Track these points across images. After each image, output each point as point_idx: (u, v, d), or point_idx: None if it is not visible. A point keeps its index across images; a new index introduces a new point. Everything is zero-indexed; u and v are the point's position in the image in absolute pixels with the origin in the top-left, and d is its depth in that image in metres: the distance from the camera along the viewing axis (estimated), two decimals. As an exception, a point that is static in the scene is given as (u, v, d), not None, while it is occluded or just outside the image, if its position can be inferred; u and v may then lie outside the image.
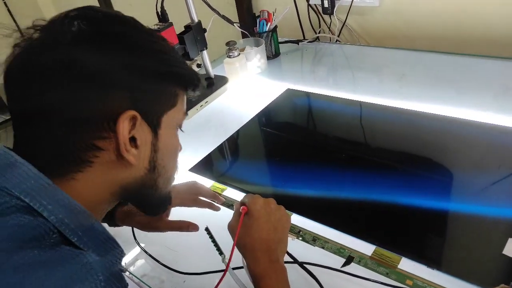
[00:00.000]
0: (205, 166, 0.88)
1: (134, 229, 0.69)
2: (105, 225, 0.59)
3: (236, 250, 0.51)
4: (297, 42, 1.33)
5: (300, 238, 0.65)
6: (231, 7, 1.46)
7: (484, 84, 0.95)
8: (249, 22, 1.31)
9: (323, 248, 0.63)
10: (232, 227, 0.52)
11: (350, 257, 0.61)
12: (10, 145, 0.40)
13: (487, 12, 1.06)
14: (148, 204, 0.49)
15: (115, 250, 0.41)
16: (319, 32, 1.37)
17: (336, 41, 1.34)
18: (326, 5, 1.27)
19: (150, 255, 0.67)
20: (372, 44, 1.30)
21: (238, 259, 0.51)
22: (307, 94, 1.08)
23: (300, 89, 1.10)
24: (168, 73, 0.42)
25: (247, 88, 1.16)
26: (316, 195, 0.75)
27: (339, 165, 0.81)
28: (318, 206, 0.73)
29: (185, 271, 0.63)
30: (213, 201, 0.70)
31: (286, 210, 0.56)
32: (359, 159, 0.83)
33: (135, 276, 0.64)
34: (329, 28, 1.35)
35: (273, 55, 1.27)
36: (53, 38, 0.37)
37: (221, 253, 0.55)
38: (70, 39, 0.37)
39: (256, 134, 0.99)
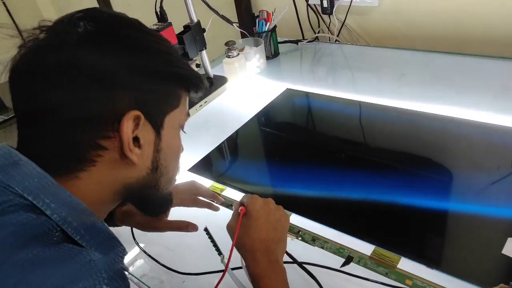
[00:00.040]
0: (204, 166, 0.88)
1: (134, 229, 0.69)
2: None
3: (235, 250, 0.51)
4: (296, 42, 1.33)
5: (300, 238, 0.65)
6: (230, 7, 1.46)
7: (483, 84, 0.95)
8: (248, 22, 1.31)
9: (322, 248, 0.63)
10: (231, 228, 0.52)
11: (349, 257, 0.61)
12: (10, 144, 0.40)
13: (486, 12, 1.06)
14: (150, 204, 0.49)
15: (117, 249, 0.41)
16: (318, 32, 1.37)
17: (336, 41, 1.34)
18: (325, 5, 1.27)
19: (149, 255, 0.67)
20: (371, 44, 1.30)
21: (237, 259, 0.51)
22: (307, 94, 1.08)
23: (300, 89, 1.10)
24: (172, 74, 0.43)
25: (246, 88, 1.16)
26: (316, 195, 0.75)
27: (339, 165, 0.81)
28: (317, 206, 0.73)
29: (184, 271, 0.63)
30: (212, 201, 0.70)
31: (285, 210, 0.56)
32: (358, 159, 0.83)
33: (135, 277, 0.64)
34: (328, 28, 1.35)
35: (272, 55, 1.27)
36: (59, 39, 0.38)
37: (220, 253, 0.55)
38: (76, 39, 0.37)
39: (255, 134, 0.99)
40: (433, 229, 0.65)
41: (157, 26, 0.99)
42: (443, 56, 1.09)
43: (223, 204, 0.73)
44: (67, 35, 0.38)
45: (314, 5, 1.32)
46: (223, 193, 0.78)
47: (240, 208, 0.52)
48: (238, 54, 1.15)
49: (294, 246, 0.62)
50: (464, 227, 0.65)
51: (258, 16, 1.24)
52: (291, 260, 0.59)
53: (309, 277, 0.58)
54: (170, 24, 1.00)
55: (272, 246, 0.50)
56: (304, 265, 0.59)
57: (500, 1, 1.02)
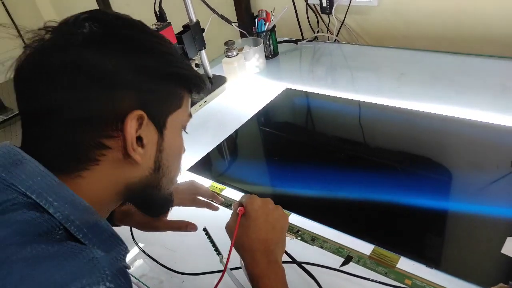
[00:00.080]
0: (204, 166, 0.88)
1: (133, 229, 0.69)
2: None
3: (234, 250, 0.50)
4: (295, 41, 1.33)
5: (299, 238, 0.65)
6: (230, 7, 1.46)
7: (483, 83, 0.95)
8: (248, 22, 1.31)
9: (322, 247, 0.63)
10: (230, 228, 0.52)
11: (349, 257, 0.61)
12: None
13: (486, 11, 1.06)
14: (151, 204, 0.49)
15: (119, 247, 0.41)
16: (317, 32, 1.37)
17: (335, 40, 1.34)
18: (324, 4, 1.27)
19: (149, 256, 0.67)
20: (370, 44, 1.30)
21: (236, 259, 0.51)
22: (306, 94, 1.08)
23: (299, 89, 1.10)
24: (175, 75, 0.43)
25: (245, 88, 1.16)
26: (315, 195, 0.75)
27: (338, 164, 0.81)
28: (317, 205, 0.73)
29: (183, 272, 0.63)
30: (212, 201, 0.70)
31: (285, 210, 0.56)
32: (358, 159, 0.83)
33: (134, 277, 0.64)
34: (327, 27, 1.35)
35: (271, 54, 1.27)
36: (65, 39, 0.38)
37: (219, 253, 0.55)
38: (81, 40, 0.38)
39: (254, 134, 0.99)
40: (432, 228, 0.65)
41: (156, 26, 0.99)
42: (442, 56, 1.09)
43: (222, 204, 0.73)
44: (72, 36, 0.38)
45: (313, 4, 1.32)
46: (223, 193, 0.78)
47: (238, 209, 0.52)
48: (237, 54, 1.15)
49: (294, 245, 0.62)
50: (464, 227, 0.65)
51: (257, 16, 1.24)
52: (291, 260, 0.59)
53: (308, 277, 0.58)
54: (169, 24, 1.00)
55: (271, 246, 0.50)
56: (303, 265, 0.59)
57: (499, 1, 1.02)
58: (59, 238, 0.36)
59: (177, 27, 1.04)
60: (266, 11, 1.22)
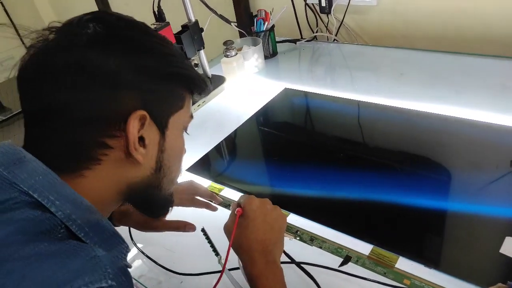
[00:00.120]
0: (203, 166, 0.88)
1: (132, 229, 0.68)
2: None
3: (232, 251, 0.50)
4: (294, 41, 1.33)
5: (298, 238, 0.65)
6: (229, 7, 1.45)
7: (482, 83, 0.95)
8: (247, 22, 1.31)
9: (320, 248, 0.63)
10: (228, 229, 0.52)
11: (347, 257, 0.61)
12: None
13: (485, 11, 1.05)
14: (152, 204, 0.49)
15: (121, 246, 0.42)
16: (316, 31, 1.37)
17: (334, 40, 1.34)
18: (323, 4, 1.27)
19: (147, 256, 0.67)
20: (369, 43, 1.30)
21: (234, 260, 0.51)
22: (305, 94, 1.08)
23: (298, 89, 1.10)
24: (177, 75, 0.44)
25: (244, 88, 1.16)
26: (314, 195, 0.75)
27: (337, 164, 0.81)
28: (315, 205, 0.73)
29: (182, 272, 0.62)
30: (210, 201, 0.70)
31: (284, 210, 0.56)
32: (357, 159, 0.83)
33: (132, 277, 0.64)
34: (326, 27, 1.35)
35: (270, 54, 1.27)
36: (68, 40, 0.39)
37: (217, 254, 0.55)
38: (85, 41, 0.38)
39: (253, 134, 0.99)
40: (431, 228, 0.65)
41: (155, 26, 0.99)
42: (442, 56, 1.09)
43: (221, 204, 0.73)
44: (76, 37, 0.39)
45: (312, 4, 1.32)
46: (222, 193, 0.78)
47: (236, 210, 0.52)
48: (236, 53, 1.15)
49: (292, 246, 0.62)
50: (462, 227, 0.65)
51: (256, 16, 1.24)
52: (289, 260, 0.59)
53: (307, 277, 0.58)
54: (168, 23, 1.00)
55: (269, 246, 0.50)
56: (302, 265, 0.59)
57: (498, 1, 1.02)
58: (60, 236, 0.36)
59: (175, 27, 1.04)
60: (265, 11, 1.22)
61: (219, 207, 0.71)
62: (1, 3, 2.21)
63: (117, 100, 0.39)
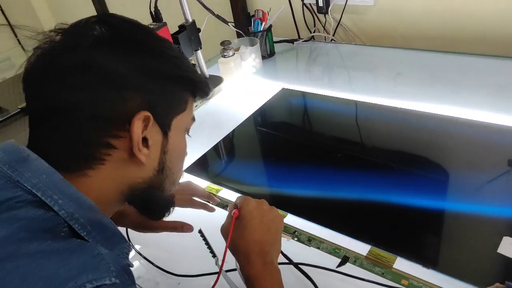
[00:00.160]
0: (200, 166, 0.87)
1: (129, 230, 0.68)
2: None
3: (229, 252, 0.50)
4: (292, 41, 1.33)
5: (296, 239, 0.65)
6: (226, 7, 1.45)
7: (479, 82, 0.95)
8: (244, 22, 1.31)
9: (318, 248, 0.63)
10: (225, 230, 0.52)
11: (345, 257, 0.60)
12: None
13: (481, 11, 1.06)
14: (154, 205, 0.49)
15: (122, 245, 0.42)
16: (314, 32, 1.37)
17: (331, 40, 1.34)
18: (321, 4, 1.27)
19: (144, 257, 0.66)
20: (367, 43, 1.30)
21: (231, 261, 0.51)
22: (303, 94, 1.08)
23: (295, 89, 1.10)
24: (181, 78, 0.44)
25: (242, 88, 1.16)
26: (312, 195, 0.75)
27: (335, 164, 0.81)
28: (313, 206, 0.73)
29: (179, 273, 0.62)
30: (208, 202, 0.69)
31: (281, 211, 0.56)
32: (354, 159, 0.82)
33: (130, 278, 0.64)
34: (324, 27, 1.35)
35: (268, 54, 1.27)
36: (75, 41, 0.39)
37: (214, 255, 0.54)
38: (91, 42, 0.39)
39: (251, 134, 0.99)
40: (429, 228, 0.65)
41: (152, 26, 0.98)
42: (438, 55, 1.10)
43: (218, 205, 0.73)
44: (82, 38, 0.39)
45: (310, 4, 1.32)
46: (219, 194, 0.78)
47: (233, 212, 0.52)
48: (234, 53, 1.15)
49: (290, 246, 0.62)
50: (460, 226, 0.65)
51: (253, 16, 1.24)
52: (287, 261, 0.59)
53: (305, 278, 0.57)
54: (165, 24, 0.99)
55: (267, 247, 0.50)
56: (299, 265, 0.59)
57: (496, 1, 1.02)
58: (63, 235, 0.36)
59: (173, 27, 1.04)
60: (263, 11, 1.22)
61: (216, 208, 0.71)
62: (-2, 3, 2.20)
63: (122, 101, 0.39)
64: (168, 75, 0.43)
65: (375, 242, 0.62)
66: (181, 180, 0.67)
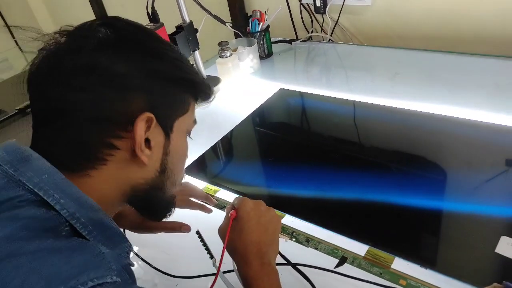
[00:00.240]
0: (198, 167, 0.87)
1: (127, 232, 0.68)
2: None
3: (226, 253, 0.50)
4: (289, 41, 1.33)
5: (293, 239, 0.65)
6: (223, 7, 1.45)
7: (477, 82, 0.95)
8: (242, 22, 1.31)
9: (316, 249, 0.63)
10: (222, 231, 0.52)
11: (343, 258, 0.60)
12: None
13: (479, 10, 1.06)
14: (155, 206, 0.49)
15: (123, 244, 0.43)
16: (311, 32, 1.37)
17: (329, 40, 1.34)
18: (318, 4, 1.27)
19: (142, 259, 0.66)
20: (364, 43, 1.30)
21: (229, 262, 0.51)
22: (300, 94, 1.08)
23: (293, 89, 1.10)
24: (183, 80, 0.45)
25: (239, 88, 1.15)
26: (310, 196, 0.75)
27: (333, 165, 0.81)
28: (311, 206, 0.72)
29: (177, 275, 0.62)
30: (205, 203, 0.69)
31: (279, 211, 0.56)
32: (352, 159, 0.82)
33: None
34: (321, 27, 1.35)
35: (265, 55, 1.27)
36: (80, 43, 0.40)
37: (211, 256, 0.54)
38: (95, 44, 0.40)
39: (249, 135, 0.99)
40: (427, 228, 0.65)
41: (149, 26, 0.98)
42: (436, 55, 1.10)
43: (216, 206, 0.72)
44: (87, 40, 0.40)
45: (307, 4, 1.32)
46: (217, 195, 0.78)
47: (230, 213, 0.52)
48: (231, 54, 1.15)
49: (288, 247, 0.62)
50: (458, 226, 0.65)
51: (251, 16, 1.24)
52: (285, 262, 0.59)
53: (302, 278, 0.57)
54: (162, 24, 0.99)
55: (264, 248, 0.50)
56: (297, 266, 0.59)
57: (493, 1, 1.02)
58: (64, 234, 0.37)
59: (170, 28, 1.03)
60: (260, 11, 1.22)
61: (214, 209, 0.70)
62: (-5, 4, 2.20)
63: (125, 102, 0.40)
64: (171, 77, 0.44)
65: (373, 242, 0.62)
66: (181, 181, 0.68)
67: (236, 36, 1.31)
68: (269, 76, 1.19)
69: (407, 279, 0.56)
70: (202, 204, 0.68)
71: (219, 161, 0.93)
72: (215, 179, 0.83)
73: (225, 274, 0.53)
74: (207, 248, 0.55)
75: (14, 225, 0.34)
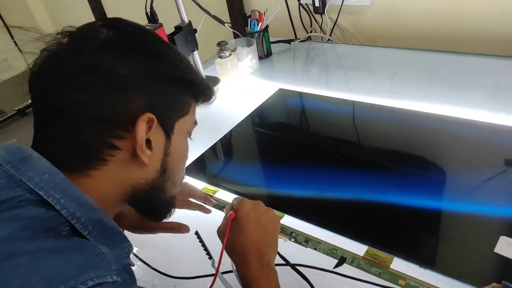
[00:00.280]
0: (197, 167, 0.87)
1: (126, 232, 0.68)
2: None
3: (225, 254, 0.50)
4: (288, 41, 1.33)
5: (293, 240, 0.65)
6: (222, 7, 1.45)
7: (476, 82, 0.95)
8: (241, 22, 1.31)
9: (315, 249, 0.63)
10: (221, 232, 0.52)
11: (342, 258, 0.60)
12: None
13: (478, 10, 1.06)
14: (156, 207, 0.49)
15: (123, 244, 0.43)
16: (310, 32, 1.37)
17: (328, 40, 1.34)
18: (317, 4, 1.27)
19: (141, 260, 0.66)
20: (364, 43, 1.30)
21: (228, 263, 0.51)
22: (300, 94, 1.08)
23: (292, 89, 1.10)
24: (184, 81, 0.45)
25: (238, 89, 1.15)
26: (309, 196, 0.75)
27: (332, 165, 0.81)
28: (310, 206, 0.72)
29: (176, 275, 0.62)
30: (204, 203, 0.69)
31: (278, 211, 0.56)
32: (352, 159, 0.82)
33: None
34: (320, 27, 1.35)
35: (264, 55, 1.27)
36: (82, 44, 0.40)
37: (210, 257, 0.54)
38: (97, 45, 0.40)
39: (248, 135, 0.99)
40: (426, 228, 0.65)
41: (148, 27, 0.98)
42: (435, 55, 1.10)
43: (215, 206, 0.72)
44: (89, 40, 0.40)
45: (306, 4, 1.32)
46: (216, 195, 0.77)
47: (229, 213, 0.52)
48: (230, 54, 1.15)
49: (287, 247, 0.62)
50: (457, 226, 0.64)
51: (250, 16, 1.24)
52: (284, 262, 0.59)
53: (301, 279, 0.57)
54: (161, 25, 0.99)
55: (263, 248, 0.50)
56: (296, 266, 0.59)
57: (493, 0, 1.02)
58: (64, 234, 0.37)
59: (169, 28, 1.03)
60: (259, 11, 1.22)
61: (213, 209, 0.70)
62: (-6, 4, 2.20)
63: (127, 103, 0.40)
64: (172, 78, 0.44)
65: (372, 243, 0.62)
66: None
67: (235, 36, 1.31)
68: (268, 76, 1.19)
69: (406, 279, 0.56)
70: (201, 205, 0.68)
71: (218, 161, 0.93)
72: (214, 179, 0.83)
73: (224, 275, 0.53)
74: (206, 249, 0.55)
75: (14, 225, 0.34)
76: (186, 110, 0.46)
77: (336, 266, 0.59)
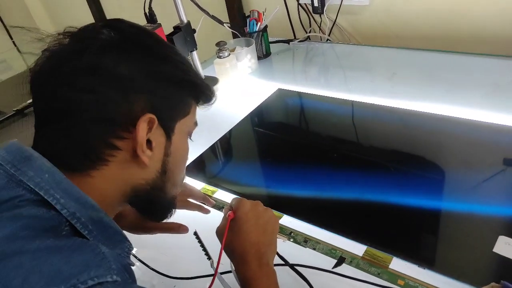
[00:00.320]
0: (196, 168, 0.87)
1: (125, 233, 0.68)
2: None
3: (224, 254, 0.50)
4: (287, 41, 1.33)
5: (292, 240, 0.65)
6: (221, 7, 1.45)
7: (475, 82, 0.95)
8: (239, 22, 1.31)
9: (314, 249, 0.63)
10: (220, 232, 0.52)
11: (341, 258, 0.60)
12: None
13: (478, 10, 1.06)
14: (156, 207, 0.50)
15: (124, 244, 0.43)
16: (309, 32, 1.37)
17: (327, 40, 1.34)
18: (316, 4, 1.27)
19: (140, 260, 0.66)
20: (363, 43, 1.30)
21: (226, 263, 0.51)
22: (299, 94, 1.08)
23: (291, 89, 1.10)
24: (185, 82, 0.46)
25: (237, 89, 1.15)
26: (308, 196, 0.75)
27: (331, 165, 0.81)
28: (309, 207, 0.72)
29: (175, 276, 0.62)
30: (203, 204, 0.69)
31: (277, 212, 0.56)
32: (351, 159, 0.82)
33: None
34: (319, 27, 1.35)
35: (263, 55, 1.27)
36: (83, 44, 0.40)
37: (209, 257, 0.54)
38: (99, 45, 0.40)
39: (247, 135, 0.99)
40: (425, 228, 0.65)
41: (146, 27, 0.98)
42: (434, 55, 1.10)
43: (214, 207, 0.72)
44: (90, 41, 0.40)
45: (305, 4, 1.32)
46: (215, 195, 0.77)
47: (228, 214, 0.52)
48: (229, 54, 1.15)
49: (286, 247, 0.62)
50: (456, 226, 0.65)
51: (249, 16, 1.24)
52: (283, 262, 0.59)
53: (301, 279, 0.57)
54: (160, 25, 0.99)
55: (262, 248, 0.50)
56: (295, 267, 0.59)
57: (493, 0, 1.02)
58: (65, 234, 0.37)
59: (168, 28, 1.03)
60: (258, 11, 1.22)
61: (212, 210, 0.70)
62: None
63: (127, 103, 0.40)
64: (173, 79, 0.44)
65: (371, 243, 0.62)
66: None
67: (234, 36, 1.31)
68: (267, 76, 1.19)
69: (405, 279, 0.56)
70: (200, 205, 0.68)
71: (217, 161, 0.93)
72: (213, 180, 0.83)
73: (223, 275, 0.53)
74: (204, 249, 0.55)
75: (14, 225, 0.34)
76: (186, 111, 0.47)
77: (335, 266, 0.59)
